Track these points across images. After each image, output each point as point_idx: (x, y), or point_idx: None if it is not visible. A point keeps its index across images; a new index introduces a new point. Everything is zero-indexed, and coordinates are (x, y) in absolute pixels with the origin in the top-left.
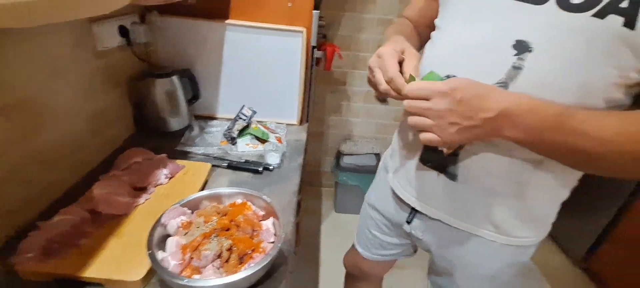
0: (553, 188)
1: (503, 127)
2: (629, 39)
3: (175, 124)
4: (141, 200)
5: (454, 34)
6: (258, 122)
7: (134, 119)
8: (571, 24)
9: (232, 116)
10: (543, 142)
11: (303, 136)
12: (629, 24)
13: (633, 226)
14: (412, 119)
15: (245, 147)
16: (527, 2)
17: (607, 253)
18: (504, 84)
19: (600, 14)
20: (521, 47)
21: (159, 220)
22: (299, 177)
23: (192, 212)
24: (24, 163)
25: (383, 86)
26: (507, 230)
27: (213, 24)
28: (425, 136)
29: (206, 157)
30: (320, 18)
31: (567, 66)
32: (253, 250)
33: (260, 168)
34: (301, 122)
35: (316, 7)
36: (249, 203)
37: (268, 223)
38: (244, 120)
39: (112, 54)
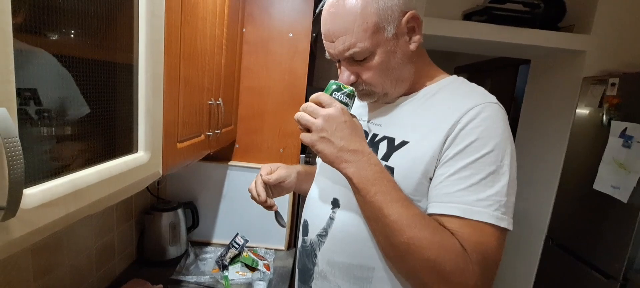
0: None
1: (348, 161)
2: None
3: (173, 251)
4: None
5: (310, 189)
6: (248, 248)
7: (136, 247)
8: None
9: (226, 242)
10: (368, 194)
11: (289, 263)
12: None
13: None
14: (303, 117)
15: (236, 275)
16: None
17: None
18: (325, 230)
19: None
20: (335, 203)
21: None
22: None
23: None
24: None
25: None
26: None
27: (217, 165)
28: (303, 136)
29: (198, 286)
30: (308, 155)
31: (359, 218)
32: None
33: None
34: (288, 248)
35: (303, 152)
36: None
37: None
38: (237, 248)
39: None
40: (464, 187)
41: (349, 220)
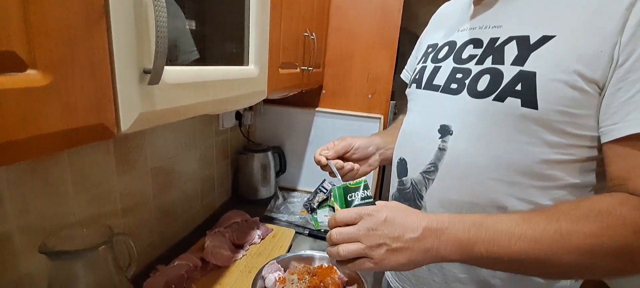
0: None
1: (433, 246)
2: (535, 117)
3: (264, 192)
4: (239, 255)
5: (404, 123)
6: None
7: (232, 185)
8: (479, 108)
9: (311, 190)
10: (481, 256)
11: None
12: (529, 104)
13: None
14: (345, 249)
15: (324, 218)
16: (448, 93)
17: None
18: (433, 165)
19: (500, 98)
20: (444, 131)
21: (260, 272)
22: None
23: (284, 271)
24: (155, 214)
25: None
26: None
27: (304, 111)
28: (361, 265)
29: (289, 224)
30: (395, 106)
31: (482, 145)
32: None
33: None
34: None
35: (392, 99)
36: (335, 268)
37: None
38: (324, 193)
39: (227, 132)
40: None
41: (468, 148)
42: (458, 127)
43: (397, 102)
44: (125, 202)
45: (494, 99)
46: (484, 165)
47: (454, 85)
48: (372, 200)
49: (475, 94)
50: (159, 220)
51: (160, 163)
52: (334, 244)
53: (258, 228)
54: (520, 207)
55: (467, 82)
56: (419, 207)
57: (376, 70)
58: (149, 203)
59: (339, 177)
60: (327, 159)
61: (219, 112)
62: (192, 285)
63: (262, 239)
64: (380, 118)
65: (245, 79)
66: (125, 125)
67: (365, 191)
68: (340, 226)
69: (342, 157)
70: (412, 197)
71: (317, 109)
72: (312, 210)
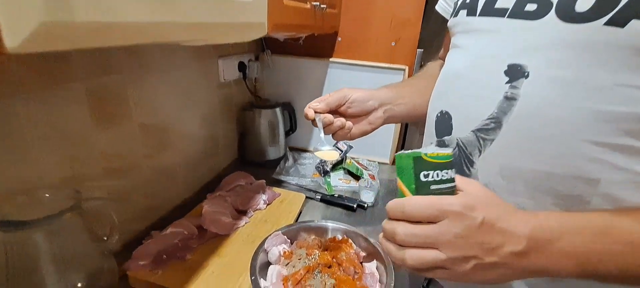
0: None
1: (538, 263)
2: None
3: (272, 153)
4: (241, 223)
5: (447, 65)
6: (351, 157)
7: (237, 146)
8: (578, 38)
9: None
10: (610, 275)
11: (395, 177)
12: None
13: None
14: (416, 257)
15: (338, 182)
16: (522, 18)
17: None
18: (495, 121)
19: (617, 21)
20: (515, 73)
21: (261, 245)
22: None
23: (291, 242)
24: (151, 177)
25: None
26: None
27: (317, 61)
28: (429, 274)
29: (299, 188)
30: (423, 54)
31: (575, 92)
32: None
33: (354, 205)
34: (393, 162)
35: (420, 46)
36: (350, 241)
37: (371, 267)
38: (339, 154)
39: (230, 86)
40: None
41: (552, 95)
42: (538, 66)
43: (424, 51)
44: (110, 162)
45: (607, 23)
46: (575, 121)
47: (531, 7)
48: (454, 185)
49: (571, 16)
50: (155, 182)
51: (151, 119)
52: (399, 244)
53: (263, 193)
54: (618, 182)
55: (554, 0)
56: (466, 176)
57: (402, 12)
58: (140, 164)
59: (323, 136)
60: (316, 112)
61: (195, 42)
62: (187, 255)
63: (268, 205)
64: (404, 69)
65: (234, 3)
66: (15, 39)
67: (448, 171)
68: (409, 221)
69: (336, 111)
70: (457, 162)
71: (331, 59)
72: (325, 173)
